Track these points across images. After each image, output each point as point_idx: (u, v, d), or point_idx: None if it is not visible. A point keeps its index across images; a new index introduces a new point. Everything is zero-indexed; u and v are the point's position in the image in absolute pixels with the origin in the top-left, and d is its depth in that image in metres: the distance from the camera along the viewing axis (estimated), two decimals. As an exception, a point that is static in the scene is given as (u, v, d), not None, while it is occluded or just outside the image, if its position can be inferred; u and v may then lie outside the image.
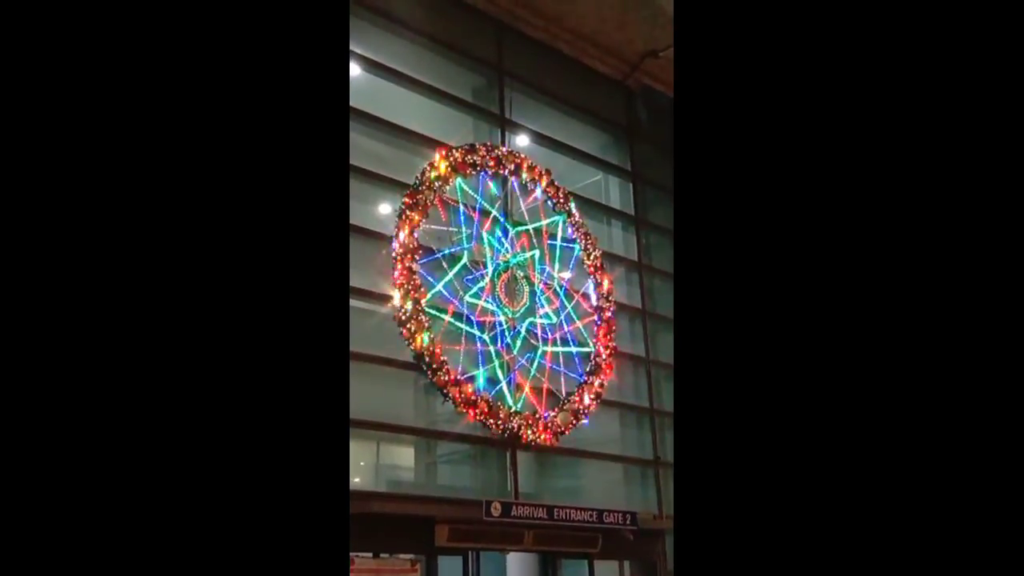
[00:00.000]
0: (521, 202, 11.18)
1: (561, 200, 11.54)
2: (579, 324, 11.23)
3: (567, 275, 11.37)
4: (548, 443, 10.25)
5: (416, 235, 9.65)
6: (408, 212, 9.64)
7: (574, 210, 11.65)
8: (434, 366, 9.30)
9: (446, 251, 10.03)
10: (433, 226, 9.96)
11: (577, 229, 11.61)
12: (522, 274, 10.80)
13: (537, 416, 10.18)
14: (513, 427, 9.86)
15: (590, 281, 11.55)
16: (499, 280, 10.50)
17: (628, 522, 10.25)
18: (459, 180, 10.40)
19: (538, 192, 11.34)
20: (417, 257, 9.58)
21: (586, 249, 11.61)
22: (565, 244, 11.47)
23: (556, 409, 10.47)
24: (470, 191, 10.55)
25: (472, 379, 9.70)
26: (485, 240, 10.52)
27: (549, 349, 10.75)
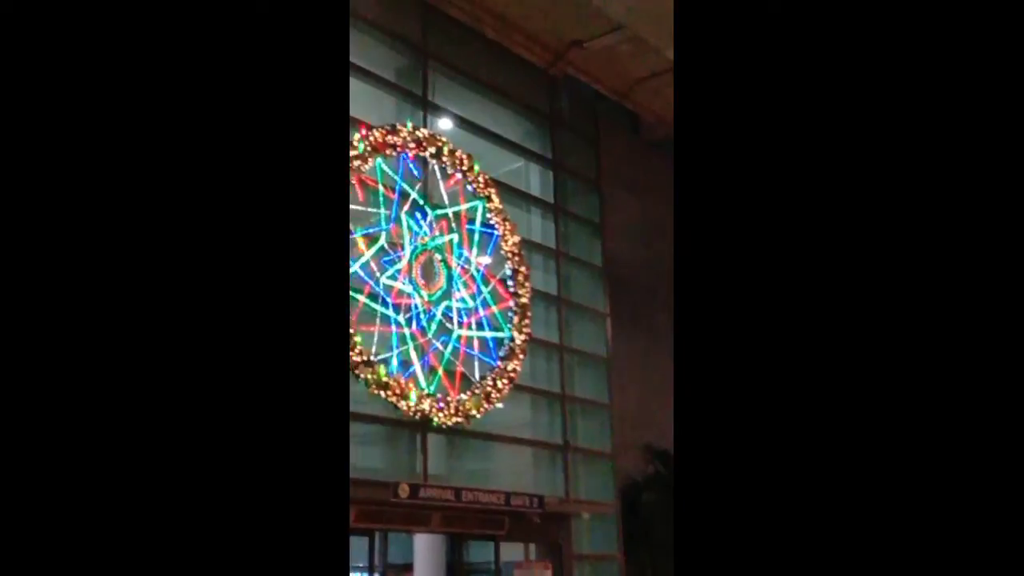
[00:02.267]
0: (441, 186, 11.17)
1: (481, 185, 11.56)
2: (495, 309, 11.31)
3: (485, 260, 11.42)
4: (459, 426, 10.32)
5: (333, 214, 9.54)
6: (326, 190, 9.52)
7: (494, 196, 11.69)
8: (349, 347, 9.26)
9: (363, 231, 9.95)
10: (352, 206, 9.87)
11: (496, 215, 11.67)
12: (440, 257, 10.80)
13: (449, 399, 10.23)
14: (424, 409, 9.88)
15: (507, 267, 11.63)
16: (416, 262, 10.49)
17: (535, 505, 10.42)
18: (379, 160, 10.32)
19: (459, 176, 11.34)
20: (333, 236, 9.48)
21: (504, 235, 11.68)
22: (484, 229, 11.52)
23: (468, 392, 10.53)
24: (390, 172, 10.48)
25: (385, 361, 9.67)
26: (404, 222, 10.48)
27: (464, 333, 10.80)
